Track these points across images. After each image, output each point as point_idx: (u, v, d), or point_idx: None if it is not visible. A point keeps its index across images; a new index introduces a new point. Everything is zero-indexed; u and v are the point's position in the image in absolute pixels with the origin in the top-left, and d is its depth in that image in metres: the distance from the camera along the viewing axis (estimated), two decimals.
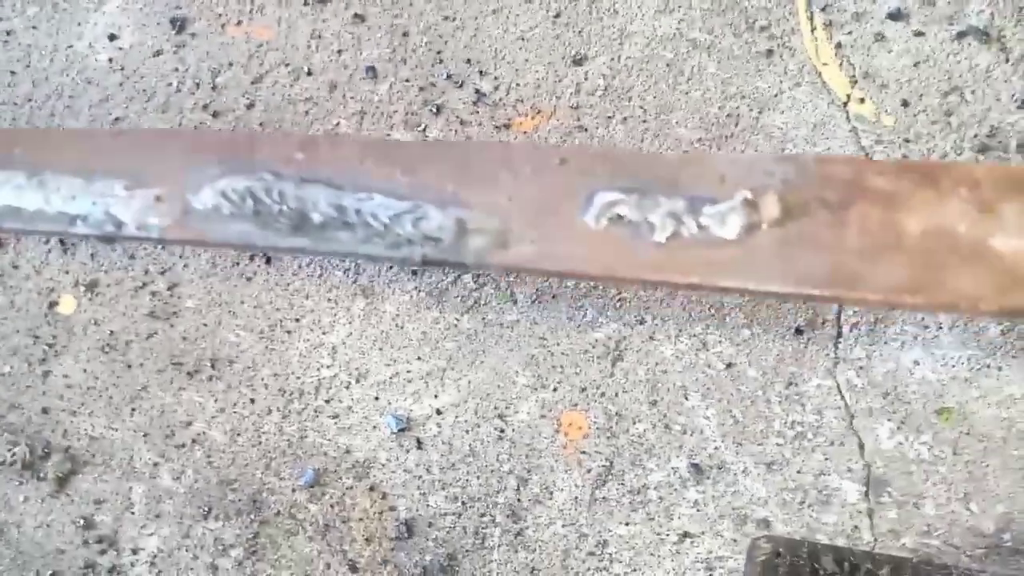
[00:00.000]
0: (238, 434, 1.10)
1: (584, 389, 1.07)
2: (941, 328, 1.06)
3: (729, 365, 1.06)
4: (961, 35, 1.16)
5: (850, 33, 1.18)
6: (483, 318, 1.11)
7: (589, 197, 0.96)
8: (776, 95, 1.17)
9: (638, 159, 1.03)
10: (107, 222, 1.03)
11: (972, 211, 0.90)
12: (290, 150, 1.03)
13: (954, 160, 1.10)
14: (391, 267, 1.13)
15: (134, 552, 1.07)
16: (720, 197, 0.94)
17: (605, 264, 0.95)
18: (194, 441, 1.10)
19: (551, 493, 1.04)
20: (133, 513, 1.09)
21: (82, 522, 1.09)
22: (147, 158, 1.06)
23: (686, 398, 1.06)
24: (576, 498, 1.04)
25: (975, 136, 1.11)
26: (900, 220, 0.91)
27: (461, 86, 1.22)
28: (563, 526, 1.03)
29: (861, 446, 1.03)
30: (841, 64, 1.18)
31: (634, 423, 1.06)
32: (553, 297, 1.11)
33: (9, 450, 1.14)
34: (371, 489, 1.06)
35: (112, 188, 1.04)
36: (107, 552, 1.09)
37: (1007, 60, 1.15)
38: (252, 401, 1.11)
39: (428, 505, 1.05)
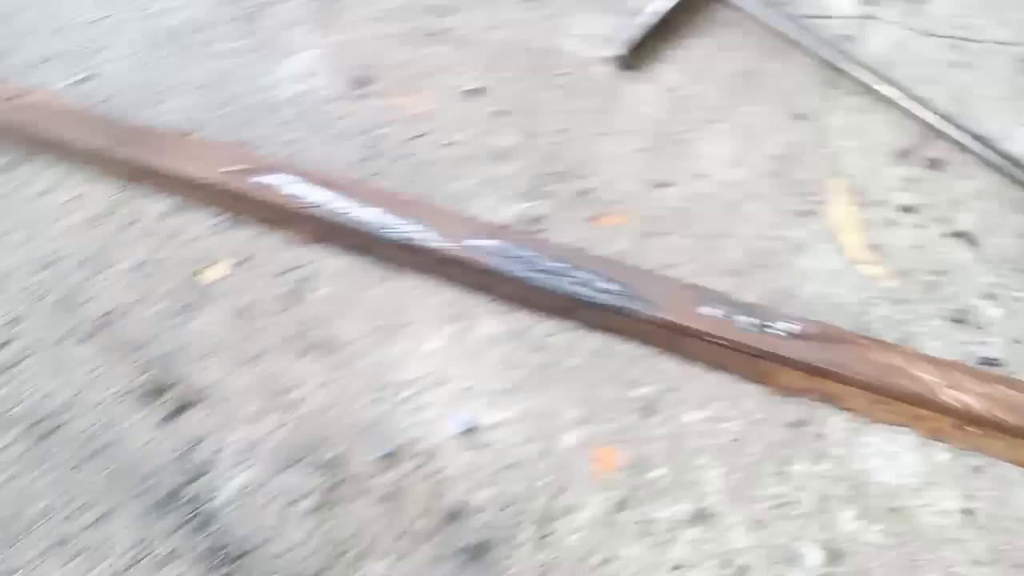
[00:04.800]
0: (333, 405, 1.30)
1: (620, 432, 1.30)
2: None
3: (736, 440, 1.33)
4: (953, 234, 1.51)
5: (871, 213, 1.51)
6: (552, 358, 1.36)
7: None
8: (806, 245, 1.50)
9: None
10: None
11: None
12: None
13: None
14: (492, 299, 1.38)
15: (219, 488, 1.25)
16: None
17: None
18: (295, 402, 1.30)
19: (577, 509, 1.25)
20: (227, 453, 1.30)
21: (180, 454, 1.27)
22: None
23: (697, 458, 1.31)
24: (596, 518, 1.24)
25: (951, 309, 1.43)
26: None
27: (567, 181, 1.54)
28: (581, 538, 1.22)
29: (827, 525, 1.27)
30: (861, 233, 1.51)
31: (653, 469, 1.30)
32: (610, 356, 1.39)
33: (138, 376, 1.36)
34: (431, 475, 1.26)
35: None
36: (195, 482, 1.27)
37: (983, 260, 1.50)
38: (351, 382, 1.34)
39: (476, 497, 1.24)
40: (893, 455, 1.28)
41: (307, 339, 1.35)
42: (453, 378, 1.32)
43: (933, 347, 1.34)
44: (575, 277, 1.28)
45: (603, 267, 1.30)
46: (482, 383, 1.32)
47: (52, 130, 1.49)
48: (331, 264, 1.40)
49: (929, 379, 1.17)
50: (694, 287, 1.29)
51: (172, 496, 1.21)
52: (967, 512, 1.23)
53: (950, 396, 1.14)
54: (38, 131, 1.51)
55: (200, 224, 1.46)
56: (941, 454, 1.27)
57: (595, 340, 1.34)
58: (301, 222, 1.37)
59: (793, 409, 1.30)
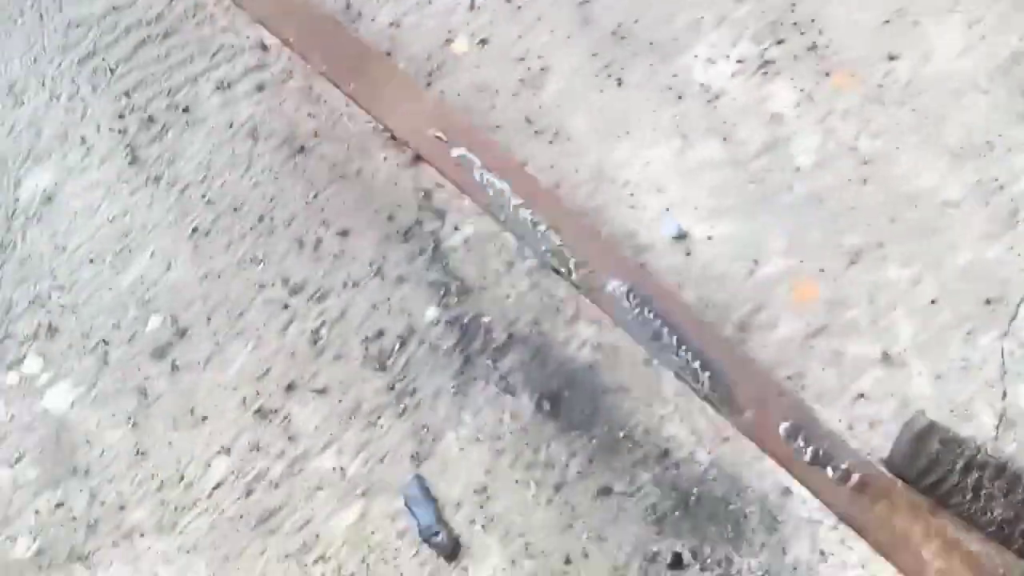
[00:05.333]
0: (557, 185, 1.36)
1: (823, 271, 1.34)
2: None
3: (933, 301, 1.35)
4: None
5: None
6: (762, 191, 1.39)
7: None
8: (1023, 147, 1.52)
9: None
10: None
11: None
12: None
13: None
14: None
15: (456, 228, 1.33)
16: None
17: None
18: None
19: (774, 327, 1.30)
20: (464, 203, 1.36)
21: (423, 194, 1.33)
22: None
23: (894, 309, 1.36)
24: (790, 338, 1.29)
25: None
26: None
27: (801, 33, 1.56)
28: (775, 352, 1.27)
29: (1004, 394, 1.33)
30: None
31: (850, 310, 1.34)
32: (820, 201, 1.43)
33: None
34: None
35: None
36: (433, 221, 1.32)
37: None
38: (576, 171, 1.38)
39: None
40: None
41: (538, 124, 1.40)
42: (670, 188, 1.37)
43: None
44: (680, 356, 1.22)
45: (709, 349, 1.23)
46: (697, 198, 1.37)
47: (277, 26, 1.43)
48: (567, 62, 1.45)
49: (927, 561, 1.16)
50: (788, 398, 1.23)
51: (410, 229, 1.30)
52: None
53: None
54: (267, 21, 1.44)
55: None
56: None
57: (811, 184, 1.38)
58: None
59: (985, 286, 1.35)
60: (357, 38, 1.40)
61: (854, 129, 1.46)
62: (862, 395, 1.25)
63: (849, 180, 1.42)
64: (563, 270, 1.24)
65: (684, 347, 1.21)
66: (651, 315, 1.22)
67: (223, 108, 1.35)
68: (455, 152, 1.30)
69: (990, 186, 1.45)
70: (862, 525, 1.18)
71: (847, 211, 1.39)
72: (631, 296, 1.24)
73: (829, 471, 1.19)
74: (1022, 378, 1.29)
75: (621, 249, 1.28)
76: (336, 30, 1.41)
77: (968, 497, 1.18)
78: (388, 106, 1.37)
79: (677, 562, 1.13)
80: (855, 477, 1.19)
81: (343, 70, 1.39)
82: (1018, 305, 1.34)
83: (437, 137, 1.30)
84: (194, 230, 1.25)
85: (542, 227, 1.27)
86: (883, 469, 1.22)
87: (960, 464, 1.18)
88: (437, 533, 1.11)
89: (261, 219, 1.27)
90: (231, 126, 1.33)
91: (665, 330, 1.22)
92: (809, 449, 1.19)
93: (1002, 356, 1.30)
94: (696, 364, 1.20)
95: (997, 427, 1.25)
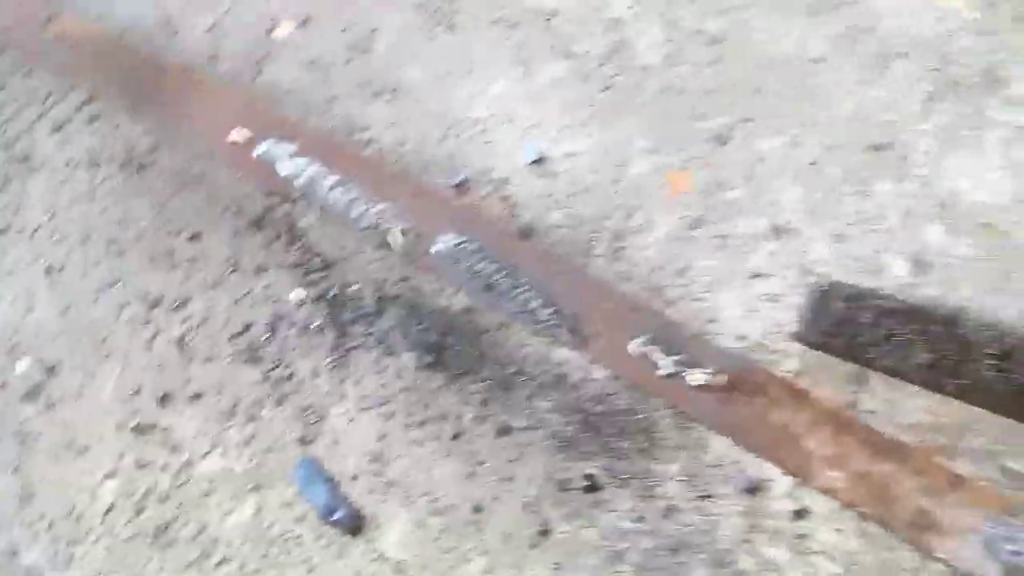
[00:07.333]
0: (403, 143, 1.32)
1: (693, 159, 1.29)
2: None
3: (814, 163, 1.31)
4: None
5: None
6: (614, 98, 1.35)
7: None
8: None
9: None
10: None
11: None
12: None
13: None
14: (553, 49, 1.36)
15: (308, 205, 1.31)
16: None
17: None
18: (369, 141, 1.35)
19: (651, 227, 1.25)
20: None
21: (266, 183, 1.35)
22: None
23: (776, 180, 1.29)
24: (671, 234, 1.25)
25: None
26: None
27: None
28: (656, 251, 1.22)
29: (913, 238, 1.25)
30: None
31: (729, 191, 1.29)
32: (680, 92, 1.39)
33: None
34: (504, 198, 1.27)
35: None
36: (284, 205, 1.29)
37: None
38: (420, 118, 1.37)
39: (548, 218, 1.25)
40: (982, 174, 1.25)
41: (375, 85, 1.38)
42: (520, 116, 1.32)
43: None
44: (517, 299, 1.17)
45: (547, 286, 1.18)
46: (550, 119, 1.32)
47: (78, 67, 1.44)
48: (393, 20, 1.42)
49: (813, 452, 1.07)
50: (642, 312, 1.16)
51: (262, 218, 1.28)
52: None
53: (823, 479, 1.05)
54: (65, 64, 1.46)
55: None
56: None
57: (664, 78, 1.33)
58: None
59: (869, 134, 1.29)
60: (155, 61, 1.40)
61: (697, 12, 1.41)
62: (757, 274, 1.19)
63: (702, 64, 1.37)
64: (387, 242, 1.20)
65: (520, 288, 1.16)
66: (482, 264, 1.17)
67: (61, 147, 1.35)
68: (258, 151, 1.28)
69: (854, 34, 1.39)
70: (733, 429, 1.10)
71: (707, 95, 1.33)
72: (459, 250, 1.19)
73: (696, 382, 1.11)
74: (929, 218, 1.22)
75: (452, 200, 1.24)
76: (128, 60, 1.42)
77: (886, 348, 1.11)
78: (192, 120, 1.34)
79: (592, 485, 1.09)
80: (722, 379, 1.11)
81: (142, 101, 1.37)
82: (908, 144, 1.28)
83: (233, 142, 1.27)
84: (48, 269, 1.25)
85: (360, 204, 1.22)
86: (754, 361, 1.11)
87: (869, 317, 1.11)
88: (335, 511, 1.08)
89: (112, 243, 1.26)
90: (69, 164, 1.33)
91: (498, 276, 1.16)
92: (669, 360, 1.12)
93: (904, 200, 1.23)
94: (536, 303, 1.15)
95: (913, 273, 1.19)
